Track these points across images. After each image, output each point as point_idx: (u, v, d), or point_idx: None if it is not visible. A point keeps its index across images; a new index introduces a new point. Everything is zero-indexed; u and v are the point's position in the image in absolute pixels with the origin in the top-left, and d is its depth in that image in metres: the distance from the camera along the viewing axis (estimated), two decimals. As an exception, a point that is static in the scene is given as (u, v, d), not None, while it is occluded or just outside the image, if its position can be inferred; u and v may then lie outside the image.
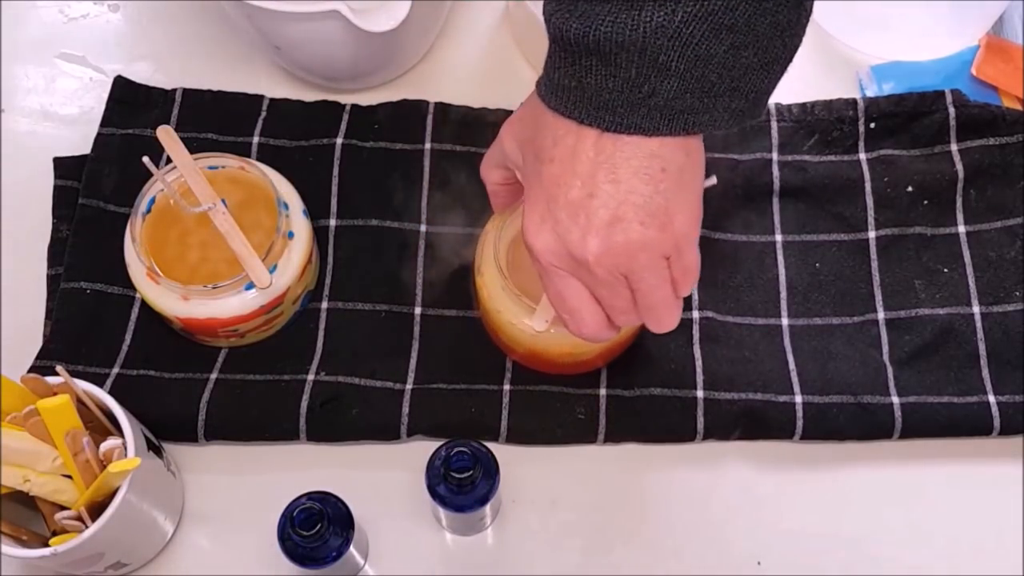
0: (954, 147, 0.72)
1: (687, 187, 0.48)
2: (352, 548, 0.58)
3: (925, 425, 0.65)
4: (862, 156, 0.72)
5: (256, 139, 0.73)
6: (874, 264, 0.70)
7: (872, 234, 0.70)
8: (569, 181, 0.47)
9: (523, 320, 0.61)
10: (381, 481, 0.65)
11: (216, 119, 0.73)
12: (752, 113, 0.47)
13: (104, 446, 0.57)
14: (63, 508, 0.57)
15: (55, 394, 0.56)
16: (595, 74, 0.45)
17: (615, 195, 0.47)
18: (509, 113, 0.57)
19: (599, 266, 0.48)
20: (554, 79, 0.47)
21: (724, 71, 0.45)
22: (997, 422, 0.65)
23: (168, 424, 0.64)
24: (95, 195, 0.70)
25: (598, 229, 0.47)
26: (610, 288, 0.50)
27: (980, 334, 0.67)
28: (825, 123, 0.73)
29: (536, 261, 0.50)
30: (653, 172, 0.46)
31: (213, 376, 0.66)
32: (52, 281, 0.69)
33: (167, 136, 0.64)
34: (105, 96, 0.74)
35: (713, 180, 0.57)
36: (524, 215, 0.50)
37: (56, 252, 0.70)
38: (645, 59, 0.44)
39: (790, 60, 0.47)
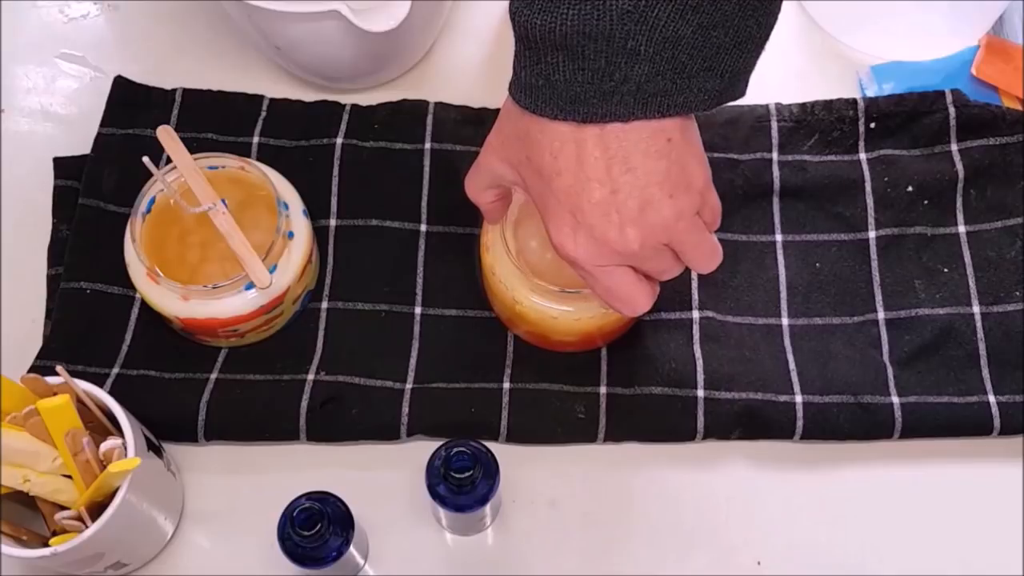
0: (954, 147, 0.72)
1: (692, 144, 0.49)
2: (352, 548, 0.58)
3: (925, 425, 0.65)
4: (862, 156, 0.72)
5: (256, 139, 0.73)
6: (874, 264, 0.70)
7: (872, 234, 0.70)
8: (587, 186, 0.48)
9: (529, 298, 0.62)
10: (381, 481, 0.65)
11: (216, 119, 0.73)
12: (731, 92, 0.48)
13: (104, 446, 0.57)
14: (63, 508, 0.57)
15: (55, 394, 0.56)
16: (563, 69, 0.45)
17: (636, 182, 0.47)
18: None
19: (645, 249, 0.49)
20: (522, 79, 0.47)
21: (695, 51, 0.45)
22: (997, 422, 0.65)
23: (168, 424, 0.64)
24: (95, 195, 0.70)
25: (633, 219, 0.48)
26: (657, 260, 0.51)
27: (980, 334, 0.67)
28: (825, 123, 0.73)
29: (580, 269, 0.51)
30: (661, 146, 0.47)
31: (213, 376, 0.66)
32: (52, 281, 0.69)
33: (167, 136, 0.64)
34: (105, 96, 0.74)
35: None
36: (551, 230, 0.50)
37: (56, 252, 0.70)
38: (614, 46, 0.44)
39: (766, 38, 0.47)
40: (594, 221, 0.48)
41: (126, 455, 0.57)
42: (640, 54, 0.44)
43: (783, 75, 0.77)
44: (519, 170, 0.52)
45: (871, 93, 0.76)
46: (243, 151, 0.71)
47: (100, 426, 0.59)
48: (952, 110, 0.72)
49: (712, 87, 0.46)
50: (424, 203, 0.71)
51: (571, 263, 0.51)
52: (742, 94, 0.49)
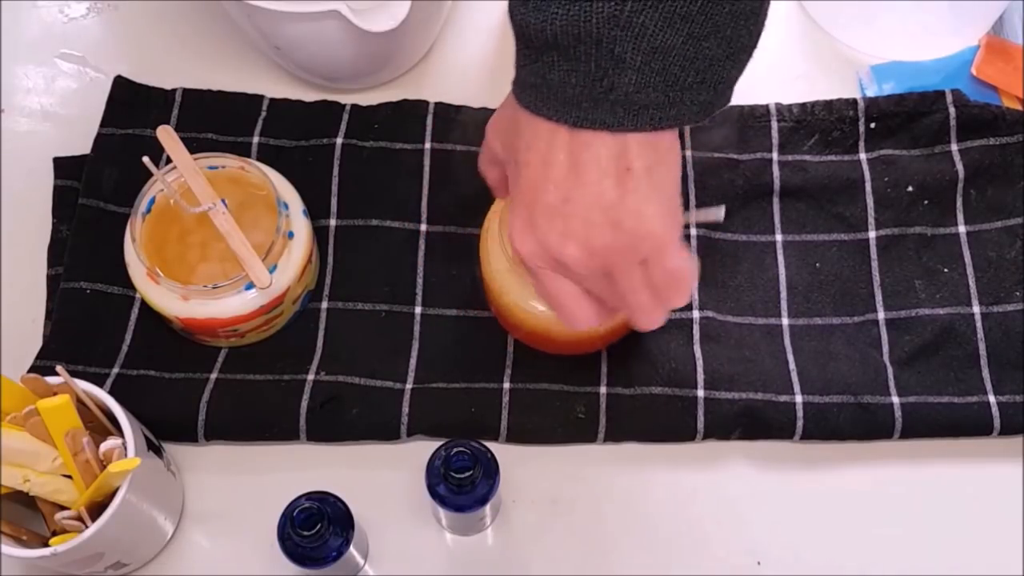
0: (954, 147, 0.72)
1: (659, 187, 0.47)
2: (352, 548, 0.58)
3: (925, 425, 0.65)
4: (862, 156, 0.72)
5: (256, 139, 0.73)
6: (874, 264, 0.70)
7: (872, 234, 0.70)
8: (544, 186, 0.47)
9: (528, 301, 0.62)
10: (381, 481, 0.65)
11: (216, 119, 0.73)
12: (719, 103, 0.47)
13: (104, 446, 0.57)
14: (63, 508, 0.57)
15: (55, 394, 0.56)
16: (557, 69, 0.45)
17: (585, 198, 0.46)
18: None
19: (580, 267, 0.48)
20: (521, 76, 0.47)
21: (687, 63, 0.44)
22: (997, 422, 0.65)
23: (168, 424, 0.64)
24: (95, 195, 0.70)
25: (574, 233, 0.47)
26: (596, 283, 0.50)
27: (980, 334, 0.67)
28: (825, 123, 0.73)
29: (523, 263, 0.51)
30: (619, 173, 0.46)
31: (213, 376, 0.66)
32: (52, 281, 0.69)
33: (167, 136, 0.64)
34: (105, 96, 0.74)
35: (721, 215, 0.57)
36: (509, 219, 0.50)
37: (56, 252, 0.70)
38: (602, 51, 0.43)
39: (755, 46, 0.46)
40: (541, 222, 0.48)
41: (126, 455, 0.57)
42: (626, 62, 0.43)
43: (783, 75, 0.77)
44: (507, 152, 0.52)
45: (871, 93, 0.76)
46: (243, 151, 0.71)
47: (100, 426, 0.59)
48: (952, 110, 0.72)
49: (704, 99, 0.46)
50: (424, 203, 0.71)
51: (516, 255, 0.51)
52: (728, 102, 0.48)
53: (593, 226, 0.47)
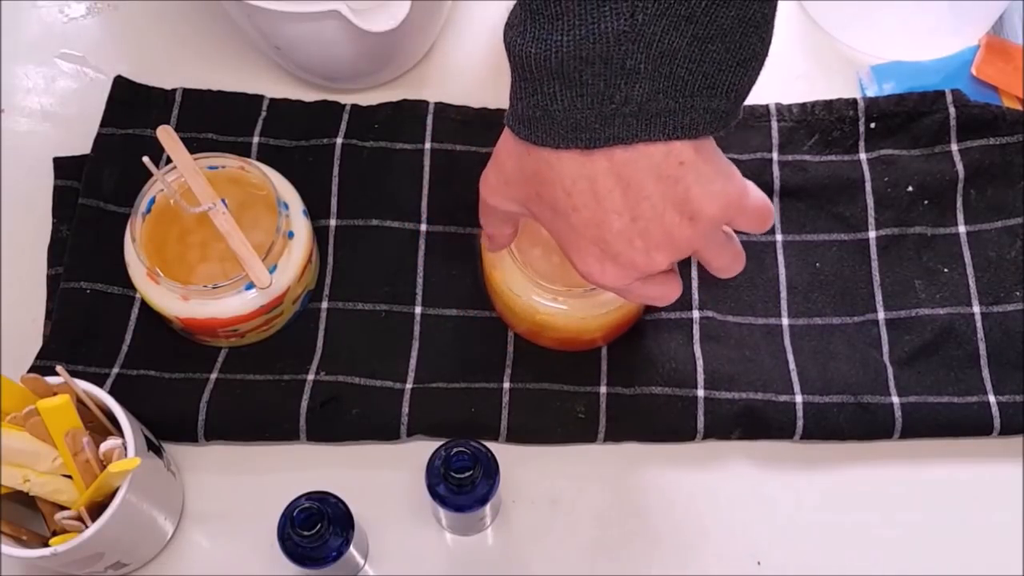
0: (954, 147, 0.72)
1: (713, 160, 0.47)
2: (352, 548, 0.58)
3: (925, 425, 0.65)
4: (862, 156, 0.72)
5: (256, 139, 0.73)
6: (874, 264, 0.70)
7: (872, 234, 0.70)
8: (606, 218, 0.47)
9: (530, 296, 0.62)
10: (381, 481, 0.65)
11: (216, 119, 0.73)
12: (733, 112, 0.47)
13: (104, 446, 0.57)
14: (63, 508, 0.57)
15: (55, 394, 0.56)
16: (560, 98, 0.45)
17: (654, 208, 0.47)
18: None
19: (672, 263, 0.49)
20: (519, 110, 0.47)
21: (692, 65, 0.44)
22: (997, 422, 0.65)
23: (168, 424, 0.64)
24: (95, 195, 0.70)
25: (658, 243, 0.48)
26: (681, 260, 0.51)
27: (980, 334, 0.67)
28: (825, 123, 0.73)
29: (612, 290, 0.52)
30: (673, 170, 0.46)
31: (213, 376, 0.66)
32: (52, 281, 0.69)
33: (167, 136, 0.64)
34: (105, 96, 0.74)
35: None
36: (575, 262, 0.50)
37: (56, 252, 0.70)
38: (612, 68, 0.43)
39: (766, 55, 0.46)
40: (619, 249, 0.48)
41: (126, 455, 0.57)
42: (640, 72, 0.43)
43: (783, 75, 0.77)
44: (529, 206, 0.51)
45: (871, 93, 0.76)
46: (243, 151, 0.71)
47: (100, 426, 0.59)
48: (952, 110, 0.72)
49: (717, 107, 0.45)
50: (424, 203, 0.71)
51: (602, 288, 0.51)
52: (740, 115, 0.48)
53: (672, 227, 0.47)
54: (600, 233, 0.48)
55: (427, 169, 0.72)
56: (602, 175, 0.46)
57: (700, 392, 0.65)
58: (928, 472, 0.66)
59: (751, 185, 0.50)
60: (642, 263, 0.48)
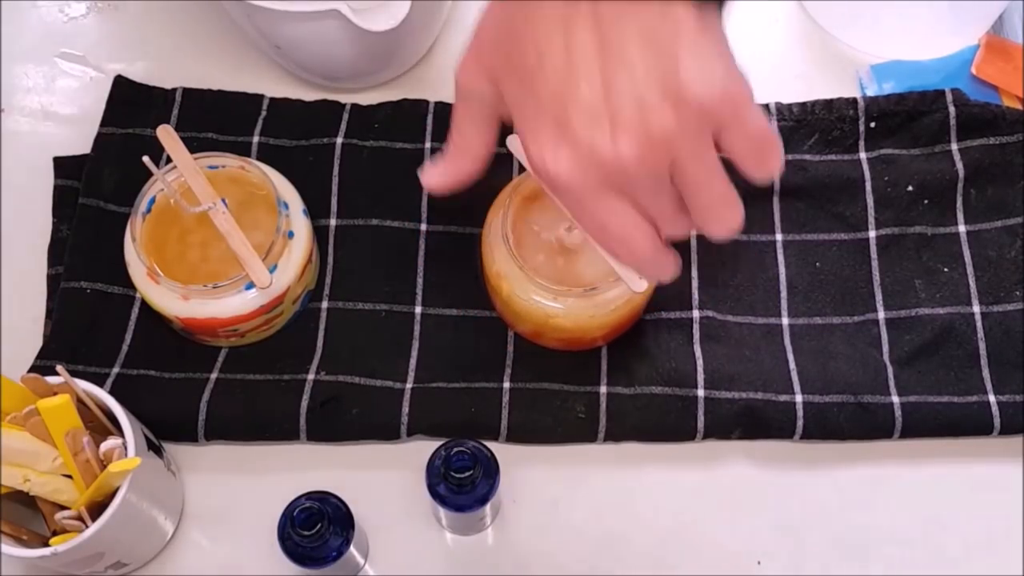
0: (954, 146, 0.72)
1: (714, 39, 0.39)
2: (352, 548, 0.58)
3: (925, 425, 0.65)
4: (862, 155, 0.72)
5: (256, 139, 0.73)
6: (874, 263, 0.70)
7: (872, 233, 0.70)
8: (573, 83, 0.39)
9: (531, 294, 0.62)
10: (381, 481, 0.65)
11: (216, 119, 0.73)
12: None
13: (104, 446, 0.57)
14: (63, 508, 0.57)
15: (55, 394, 0.56)
16: None
17: (632, 80, 0.39)
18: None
19: (642, 166, 0.40)
20: None
21: None
22: (997, 422, 0.65)
23: (168, 424, 0.64)
24: (95, 195, 0.70)
25: (626, 125, 0.39)
26: (656, 192, 0.42)
27: (980, 334, 0.67)
28: (825, 122, 0.73)
29: (563, 191, 0.43)
30: (667, 34, 0.38)
31: (213, 376, 0.66)
32: (52, 281, 0.69)
33: (167, 136, 0.64)
34: (105, 96, 0.74)
35: None
36: (528, 145, 0.43)
37: (56, 252, 0.70)
38: None
39: None
40: (580, 129, 0.40)
41: (126, 455, 0.57)
42: None
43: (783, 75, 0.77)
44: (499, 81, 0.44)
45: (871, 92, 0.76)
46: (243, 151, 0.71)
47: (100, 426, 0.59)
48: (952, 109, 0.72)
49: None
50: (424, 203, 0.71)
51: (553, 186, 0.43)
52: None
53: (650, 109, 0.39)
54: (563, 105, 0.40)
55: (427, 169, 0.72)
56: (580, 28, 0.39)
57: (700, 392, 0.65)
58: (928, 472, 0.66)
59: (757, 105, 0.42)
60: (604, 149, 0.40)
